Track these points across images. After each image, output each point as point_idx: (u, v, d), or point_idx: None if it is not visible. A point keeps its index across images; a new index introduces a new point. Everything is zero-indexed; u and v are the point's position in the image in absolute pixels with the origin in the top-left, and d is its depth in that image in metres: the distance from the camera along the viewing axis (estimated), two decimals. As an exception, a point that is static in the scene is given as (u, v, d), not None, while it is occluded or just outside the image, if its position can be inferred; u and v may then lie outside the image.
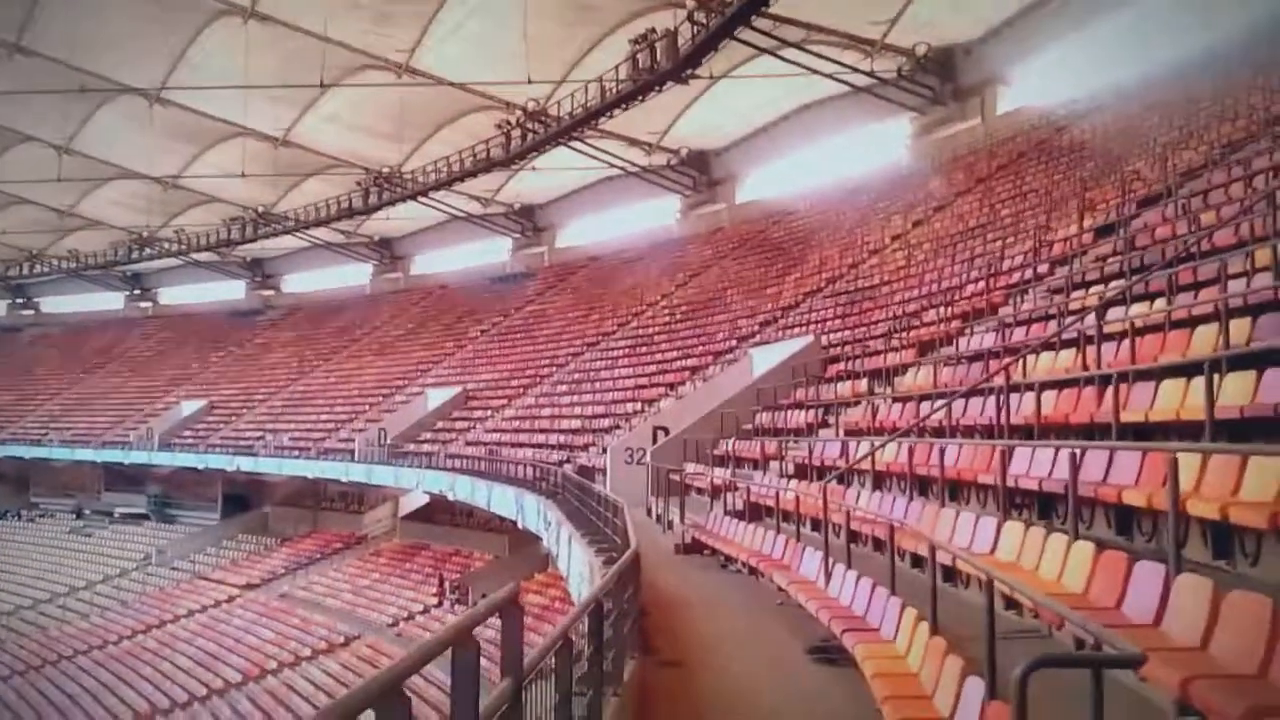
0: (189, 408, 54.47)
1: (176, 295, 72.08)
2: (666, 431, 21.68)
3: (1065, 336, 10.83)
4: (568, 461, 27.35)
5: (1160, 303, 10.27)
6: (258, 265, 68.17)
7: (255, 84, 41.76)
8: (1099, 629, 3.96)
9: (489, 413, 38.66)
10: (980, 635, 4.96)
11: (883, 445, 10.90)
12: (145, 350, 66.09)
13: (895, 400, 14.37)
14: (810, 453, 14.54)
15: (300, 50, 40.50)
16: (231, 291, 69.52)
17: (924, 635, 5.81)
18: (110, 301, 73.13)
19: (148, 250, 62.10)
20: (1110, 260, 13.88)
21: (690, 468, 18.55)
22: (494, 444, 33.72)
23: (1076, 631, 4.54)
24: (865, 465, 11.48)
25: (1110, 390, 7.92)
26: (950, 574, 8.30)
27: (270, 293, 68.88)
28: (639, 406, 29.80)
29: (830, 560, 8.80)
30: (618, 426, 28.89)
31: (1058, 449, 7.59)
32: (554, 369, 39.69)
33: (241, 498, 50.18)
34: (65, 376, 64.68)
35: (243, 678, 33.64)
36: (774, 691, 7.31)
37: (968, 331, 15.66)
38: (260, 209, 56.48)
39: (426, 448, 37.03)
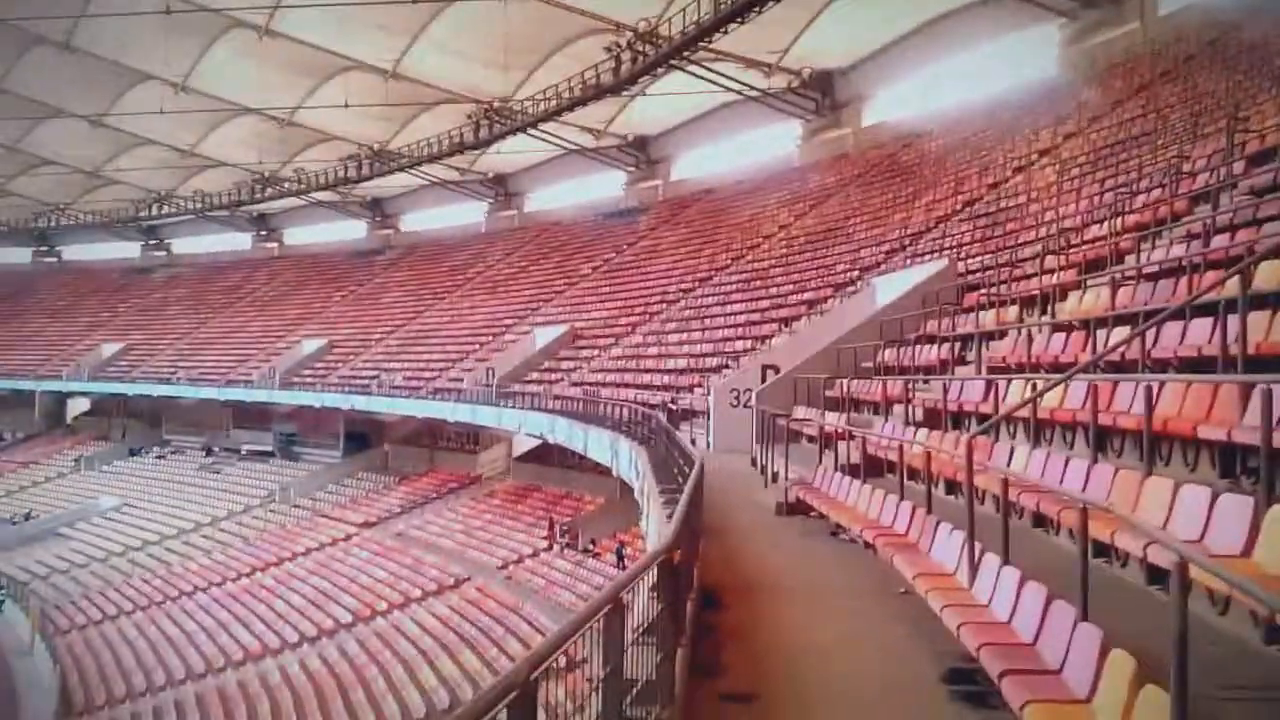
0: (309, 347, 54.72)
1: (301, 236, 72.87)
2: (776, 370, 19.19)
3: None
4: (672, 404, 25.29)
5: None
6: (377, 205, 68.04)
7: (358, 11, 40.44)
8: None
9: (596, 352, 36.95)
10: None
11: (1056, 385, 8.21)
12: (270, 290, 66.85)
13: (1056, 330, 11.61)
14: (945, 394, 11.96)
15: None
16: (353, 231, 69.69)
17: (1159, 709, 3.34)
18: (239, 243, 74.62)
19: (269, 190, 62.45)
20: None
21: (800, 411, 16.10)
22: (597, 384, 31.97)
23: None
24: (1021, 412, 8.87)
25: None
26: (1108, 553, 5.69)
27: (389, 232, 68.68)
28: (750, 345, 27.47)
29: (977, 549, 6.33)
30: (726, 366, 26.62)
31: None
32: (664, 306, 37.64)
33: (363, 436, 50.08)
34: (195, 316, 65.99)
35: (353, 618, 33.31)
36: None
37: (1147, 245, 12.70)
38: (375, 146, 55.77)
39: (532, 388, 35.58)
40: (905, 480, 9.36)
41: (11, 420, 63.26)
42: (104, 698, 32.46)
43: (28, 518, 50.87)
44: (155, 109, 50.89)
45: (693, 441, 18.91)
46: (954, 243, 25.18)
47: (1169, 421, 6.82)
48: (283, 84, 50.66)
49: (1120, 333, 8.94)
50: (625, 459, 17.98)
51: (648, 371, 31.77)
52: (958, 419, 11.93)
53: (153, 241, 76.80)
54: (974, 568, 6.20)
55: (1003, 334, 13.91)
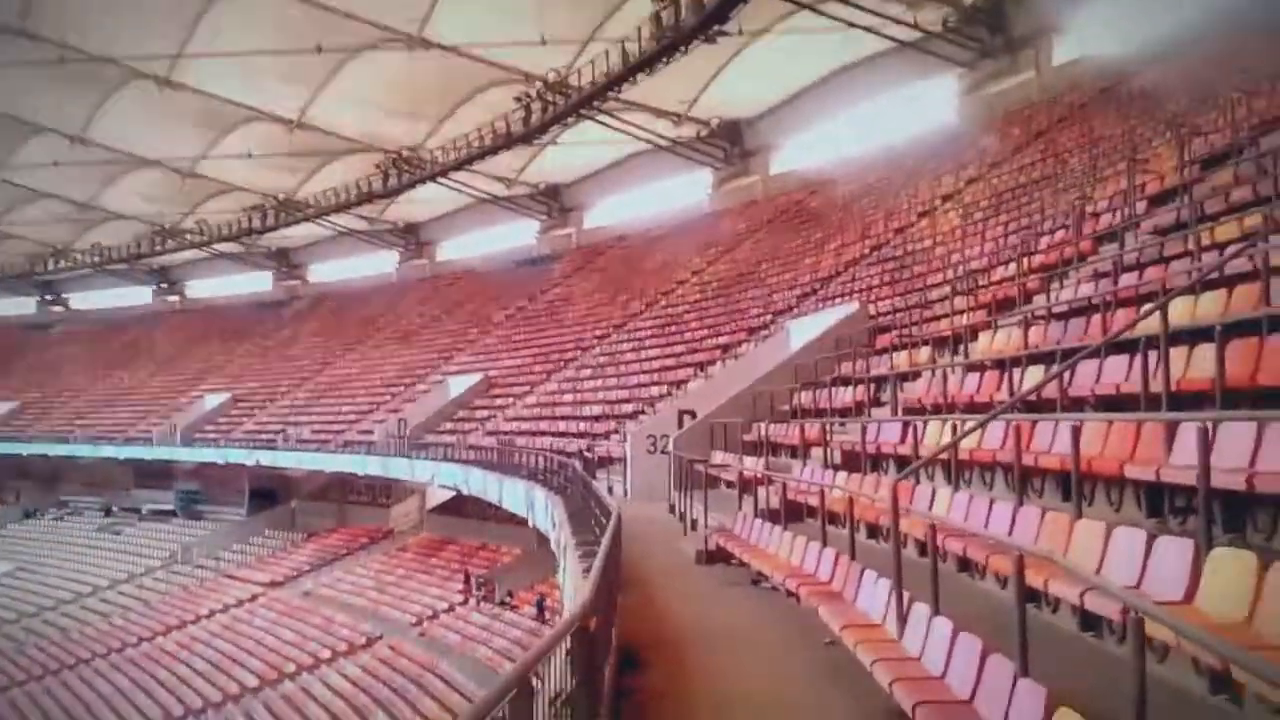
0: (212, 402, 53.15)
1: (204, 288, 71.19)
2: (693, 415, 19.05)
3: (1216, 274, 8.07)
4: (589, 451, 24.96)
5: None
6: (284, 256, 66.66)
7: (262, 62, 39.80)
8: None
9: (511, 400, 36.51)
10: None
11: (981, 425, 8.13)
12: (172, 345, 64.90)
13: (969, 370, 11.65)
14: (863, 437, 11.91)
15: (308, 23, 38.29)
16: (258, 283, 68.20)
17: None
18: (139, 296, 72.37)
19: (170, 242, 60.88)
20: (1239, 186, 11.08)
21: (718, 456, 15.95)
22: (513, 433, 31.52)
23: None
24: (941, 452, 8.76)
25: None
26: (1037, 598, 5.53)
27: (296, 283, 67.36)
28: (666, 390, 27.38)
29: (905, 597, 6.11)
30: (642, 412, 26.45)
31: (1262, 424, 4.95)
32: (579, 353, 37.44)
33: (269, 493, 48.49)
34: (94, 373, 63.61)
35: (259, 682, 32.15)
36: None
37: (1056, 284, 12.89)
38: (281, 196, 54.74)
39: (446, 438, 34.93)
40: (827, 525, 9.17)
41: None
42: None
43: (-91, 588, 47.94)
44: (50, 161, 49.26)
45: (610, 489, 18.60)
46: (864, 285, 25.50)
47: (1092, 461, 6.75)
48: (184, 135, 49.47)
49: (1034, 371, 8.95)
50: (541, 510, 17.58)
51: (563, 419, 31.45)
52: (876, 461, 11.87)
53: (49, 297, 74.07)
54: (903, 618, 5.99)
55: (916, 375, 13.97)
